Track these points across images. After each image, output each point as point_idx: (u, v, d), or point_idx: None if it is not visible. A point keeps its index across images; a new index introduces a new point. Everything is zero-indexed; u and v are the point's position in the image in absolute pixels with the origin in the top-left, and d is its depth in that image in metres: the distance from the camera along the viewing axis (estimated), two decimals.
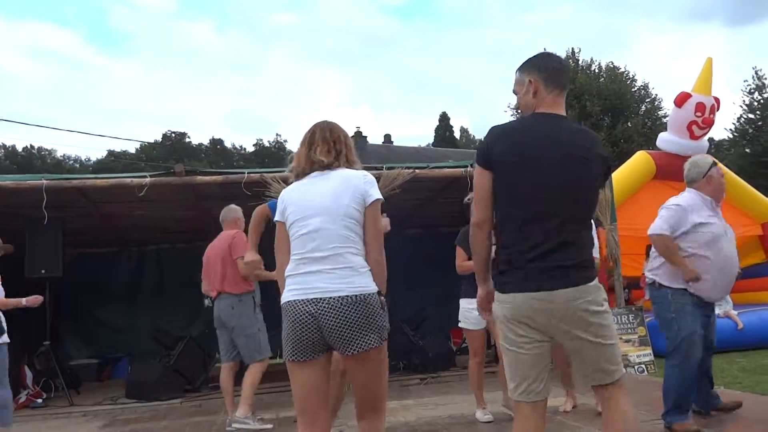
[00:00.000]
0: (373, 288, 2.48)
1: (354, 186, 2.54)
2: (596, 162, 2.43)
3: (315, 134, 2.68)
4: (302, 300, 2.42)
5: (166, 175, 6.88)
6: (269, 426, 4.98)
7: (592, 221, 2.57)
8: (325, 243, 2.46)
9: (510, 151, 2.37)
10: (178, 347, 7.57)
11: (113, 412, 6.55)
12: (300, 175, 2.65)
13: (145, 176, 6.76)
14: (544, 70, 2.50)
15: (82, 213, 8.00)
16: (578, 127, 2.59)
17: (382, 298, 2.52)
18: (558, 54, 2.68)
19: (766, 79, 25.46)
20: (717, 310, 8.25)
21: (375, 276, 2.51)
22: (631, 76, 26.35)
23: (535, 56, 2.59)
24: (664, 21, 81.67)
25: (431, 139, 49.61)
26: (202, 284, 5.39)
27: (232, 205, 5.57)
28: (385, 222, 3.41)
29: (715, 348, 4.21)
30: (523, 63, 2.58)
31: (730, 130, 26.56)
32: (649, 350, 6.99)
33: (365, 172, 2.65)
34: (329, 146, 2.63)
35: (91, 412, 6.54)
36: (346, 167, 2.63)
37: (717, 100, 8.88)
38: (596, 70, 26.42)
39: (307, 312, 2.40)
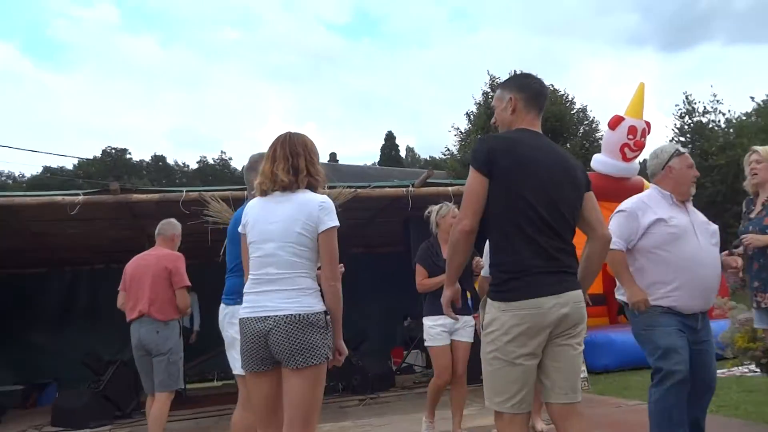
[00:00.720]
0: (318, 308, 2.64)
1: (308, 213, 2.67)
2: (582, 182, 2.59)
3: (276, 150, 2.77)
4: (253, 317, 2.62)
5: (100, 193, 6.69)
6: None
7: None
8: (277, 267, 2.64)
9: (516, 162, 2.43)
10: (109, 372, 7.30)
11: None
12: (264, 192, 2.75)
13: (77, 194, 6.56)
14: (526, 90, 2.62)
15: (9, 232, 7.69)
16: (553, 143, 2.71)
17: (328, 317, 2.67)
18: (540, 78, 2.74)
19: (696, 104, 26.66)
20: None
21: (327, 298, 2.69)
22: (570, 99, 27.15)
23: (518, 75, 2.72)
24: (601, 45, 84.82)
25: (377, 158, 49.92)
26: (118, 298, 5.07)
27: (172, 219, 5.37)
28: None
29: (713, 388, 3.47)
30: (506, 80, 2.74)
31: None
32: (583, 367, 7.12)
33: (323, 198, 2.74)
34: (288, 164, 2.71)
35: None
36: (308, 186, 2.74)
37: (648, 124, 9.23)
38: None
39: (257, 329, 2.60)
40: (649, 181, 3.63)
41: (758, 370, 6.81)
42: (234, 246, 3.51)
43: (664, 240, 3.31)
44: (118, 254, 10.00)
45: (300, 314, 2.58)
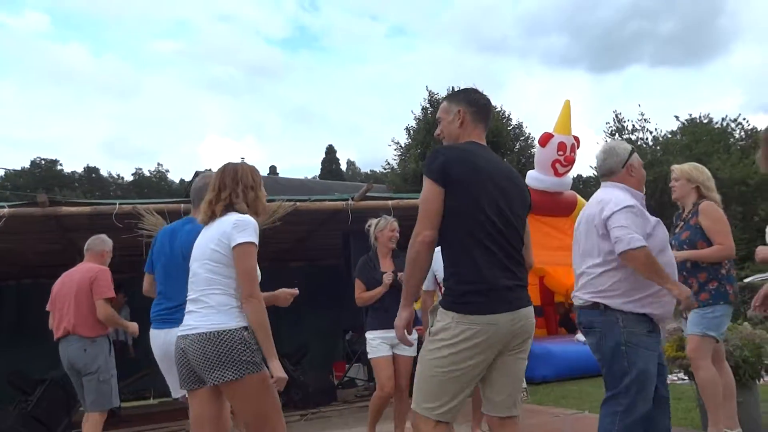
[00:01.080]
0: (231, 325, 2.65)
1: (221, 231, 2.73)
2: (528, 201, 2.67)
3: (208, 184, 2.97)
4: (178, 336, 2.74)
5: (27, 206, 6.42)
6: None
7: None
8: (196, 286, 2.76)
9: (472, 172, 2.44)
10: (38, 391, 6.97)
11: None
12: (203, 222, 2.90)
13: (3, 206, 6.28)
14: (474, 104, 2.66)
15: None
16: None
17: (245, 333, 2.67)
18: (484, 94, 2.78)
19: (625, 122, 27.76)
20: (582, 338, 8.79)
21: (247, 313, 2.68)
22: (506, 115, 27.80)
23: (465, 89, 2.75)
24: (535, 65, 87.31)
25: (318, 172, 49.78)
26: (49, 319, 4.91)
27: (103, 236, 5.22)
28: (291, 292, 3.44)
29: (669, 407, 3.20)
30: (453, 93, 2.78)
31: (594, 167, 28.55)
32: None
33: (242, 216, 2.78)
34: (212, 194, 2.85)
35: None
36: (233, 211, 2.81)
37: (577, 139, 9.55)
38: None
39: (179, 346, 2.72)
40: (601, 180, 3.29)
41: (686, 377, 7.09)
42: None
43: (663, 242, 3.06)
44: (48, 269, 9.62)
45: (211, 332, 2.63)
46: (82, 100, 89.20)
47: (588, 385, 7.48)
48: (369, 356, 4.74)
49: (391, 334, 4.51)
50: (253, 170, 2.94)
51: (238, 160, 3.11)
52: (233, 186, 2.85)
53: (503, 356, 2.44)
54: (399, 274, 4.55)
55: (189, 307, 2.76)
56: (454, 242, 2.45)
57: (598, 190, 3.24)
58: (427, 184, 2.47)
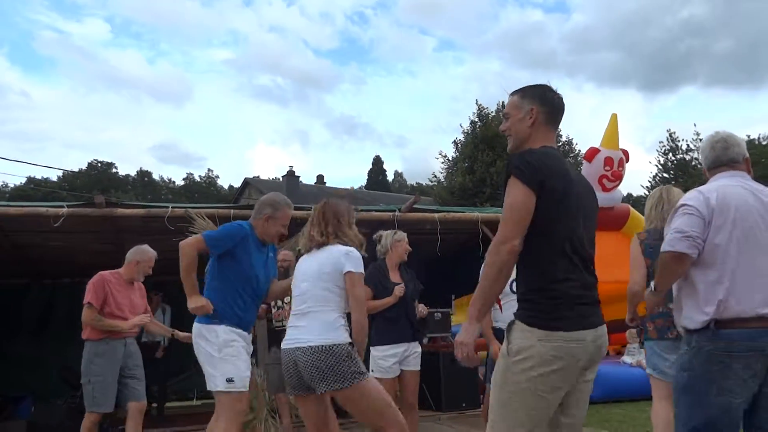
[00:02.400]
0: (340, 340, 3.03)
1: (335, 258, 3.19)
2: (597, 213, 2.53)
3: (312, 217, 3.40)
4: (288, 348, 3.09)
5: (84, 206, 6.64)
6: None
7: None
8: (307, 302, 3.14)
9: (566, 184, 2.28)
10: None
11: None
12: (306, 250, 3.36)
13: (62, 206, 6.51)
14: (549, 103, 2.44)
15: None
16: None
17: (351, 348, 3.04)
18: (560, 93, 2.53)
19: (679, 141, 27.12)
20: (630, 360, 8.61)
21: (353, 331, 3.12)
22: (557, 132, 27.44)
23: (539, 85, 2.48)
24: (584, 81, 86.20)
25: (365, 182, 50.03)
26: None
27: (142, 246, 5.22)
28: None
29: None
30: (525, 88, 2.48)
31: (646, 187, 27.98)
32: None
33: (348, 249, 3.24)
34: (320, 228, 3.29)
35: None
36: (338, 242, 3.27)
37: (625, 152, 9.32)
38: None
39: (290, 357, 3.06)
40: (716, 170, 2.84)
41: None
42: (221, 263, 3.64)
43: None
44: (100, 269, 9.91)
45: (323, 345, 3.00)
46: (137, 106, 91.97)
47: (633, 409, 7.29)
48: (376, 375, 4.35)
49: (400, 348, 4.54)
50: (350, 208, 3.44)
51: (339, 198, 3.69)
52: (336, 220, 3.31)
53: (584, 379, 2.29)
54: (402, 287, 4.61)
55: (298, 321, 3.12)
56: (541, 255, 2.24)
57: (734, 179, 2.74)
58: (517, 187, 2.22)
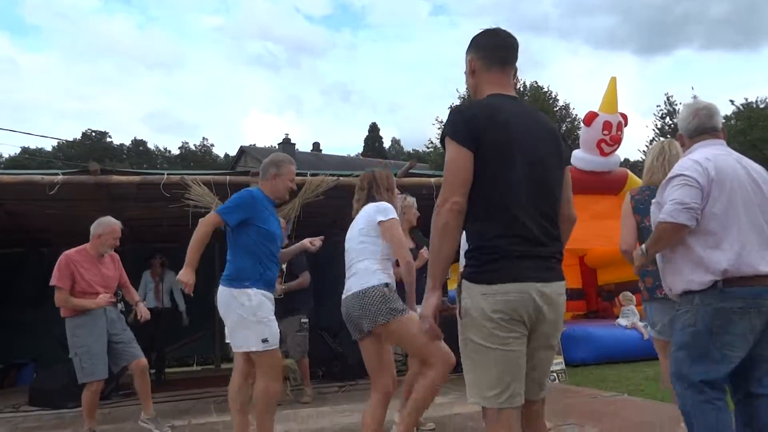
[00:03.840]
0: (372, 283, 3.31)
1: (367, 215, 3.51)
2: (566, 155, 2.36)
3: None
4: (342, 299, 3.43)
5: (79, 173, 6.62)
6: None
7: None
8: (349, 259, 3.49)
9: (502, 131, 2.16)
10: None
11: (14, 420, 6.22)
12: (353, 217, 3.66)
13: (57, 174, 6.49)
14: (483, 47, 2.35)
15: None
16: (535, 108, 2.42)
17: (385, 289, 3.31)
18: (504, 30, 2.38)
19: (677, 105, 26.98)
20: (624, 322, 8.70)
21: (402, 272, 3.46)
22: (553, 96, 27.33)
23: (477, 34, 2.39)
24: (579, 45, 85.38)
25: (361, 149, 49.82)
26: None
27: (105, 218, 5.19)
28: (315, 240, 4.51)
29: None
30: (469, 43, 2.41)
31: (643, 151, 27.93)
32: (561, 359, 7.22)
33: (378, 203, 3.55)
34: (358, 195, 3.69)
35: None
36: (372, 202, 3.58)
37: (624, 116, 9.29)
38: (521, 89, 27.26)
39: (344, 306, 3.41)
40: (691, 138, 2.95)
41: None
42: (244, 229, 3.74)
43: None
44: None
45: (359, 290, 3.32)
46: (127, 74, 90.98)
47: (628, 370, 7.41)
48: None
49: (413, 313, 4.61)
50: (389, 174, 3.75)
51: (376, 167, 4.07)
52: (374, 185, 3.64)
53: (537, 337, 2.19)
54: (425, 250, 4.60)
55: (347, 276, 3.45)
56: (480, 210, 2.17)
57: (720, 147, 2.86)
58: (451, 145, 2.17)
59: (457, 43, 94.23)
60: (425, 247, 4.67)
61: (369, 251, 3.43)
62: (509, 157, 2.17)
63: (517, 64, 2.41)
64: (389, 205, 3.54)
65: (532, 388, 2.24)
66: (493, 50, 2.34)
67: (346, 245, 3.57)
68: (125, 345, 4.98)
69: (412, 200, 4.95)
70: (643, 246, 2.96)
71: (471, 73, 2.38)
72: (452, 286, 8.42)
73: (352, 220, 3.66)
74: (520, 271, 2.13)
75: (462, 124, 2.18)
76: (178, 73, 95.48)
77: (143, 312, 5.10)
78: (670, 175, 2.81)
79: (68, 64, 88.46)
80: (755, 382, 2.70)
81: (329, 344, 8.16)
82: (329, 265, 7.86)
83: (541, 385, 2.29)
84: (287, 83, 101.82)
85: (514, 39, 2.39)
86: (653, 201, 2.94)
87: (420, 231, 4.97)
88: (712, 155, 2.78)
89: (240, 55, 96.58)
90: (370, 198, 3.62)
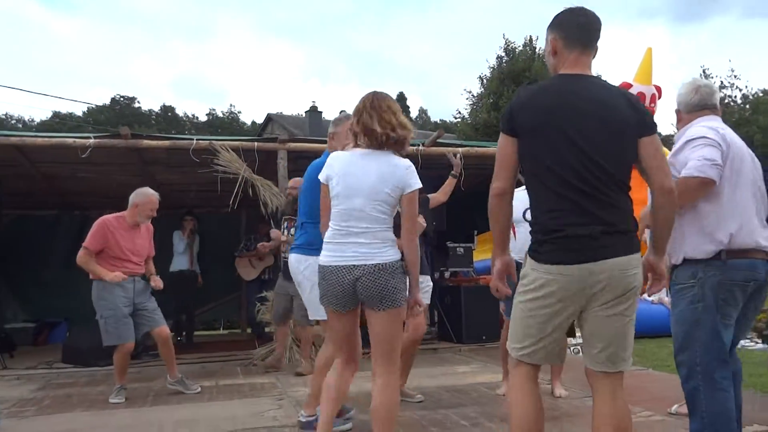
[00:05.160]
0: (397, 257, 2.90)
1: (397, 177, 2.89)
2: (631, 123, 2.26)
3: (363, 106, 2.97)
4: (342, 266, 2.87)
5: (111, 137, 6.71)
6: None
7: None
8: (363, 221, 2.88)
9: (541, 114, 2.26)
10: None
11: (48, 376, 6.43)
12: (357, 145, 2.98)
13: (89, 137, 6.59)
14: (566, 27, 2.37)
15: (20, 172, 7.74)
16: (605, 84, 2.41)
17: (404, 264, 2.92)
18: (589, 10, 2.39)
19: (712, 78, 26.28)
20: (651, 297, 8.63)
21: (406, 252, 2.95)
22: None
23: (560, 12, 2.42)
24: (611, 15, 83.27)
25: None
26: None
27: (143, 189, 5.29)
28: (420, 220, 3.91)
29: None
30: (551, 21, 2.43)
31: (676, 125, 27.36)
32: None
33: (408, 162, 2.96)
34: (383, 121, 2.92)
35: (25, 376, 6.40)
36: (396, 145, 2.95)
37: (658, 89, 9.06)
38: None
39: (351, 274, 2.85)
40: (690, 113, 3.00)
41: (759, 341, 6.91)
42: (311, 194, 3.65)
43: None
44: (127, 200, 10.09)
45: (385, 263, 2.85)
46: (154, 39, 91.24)
47: (653, 345, 7.38)
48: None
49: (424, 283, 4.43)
50: (396, 105, 3.04)
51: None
52: (391, 116, 2.94)
53: (591, 311, 2.27)
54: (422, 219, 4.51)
55: (353, 238, 2.87)
56: (530, 191, 2.36)
57: (722, 123, 2.93)
58: (501, 134, 2.36)
59: (487, 12, 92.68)
60: (421, 216, 4.55)
61: (387, 221, 2.92)
62: (539, 139, 2.26)
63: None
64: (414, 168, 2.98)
65: (594, 358, 2.33)
66: (576, 30, 2.36)
67: (354, 200, 2.89)
68: (149, 313, 5.10)
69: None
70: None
71: (552, 53, 2.41)
72: (478, 257, 8.41)
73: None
74: (564, 254, 2.22)
75: (507, 110, 2.34)
76: (206, 39, 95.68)
77: (157, 282, 5.18)
78: (685, 138, 2.81)
79: (97, 29, 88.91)
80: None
81: None
82: None
83: (610, 358, 2.30)
84: (314, 52, 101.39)
85: (599, 20, 2.40)
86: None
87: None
88: (720, 127, 2.84)
89: (267, 23, 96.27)
90: (389, 142, 2.93)
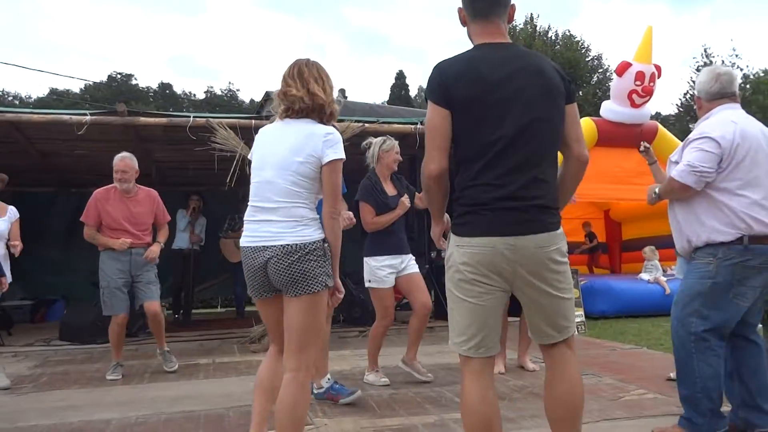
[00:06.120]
0: (315, 237, 2.58)
1: (312, 146, 2.60)
2: (561, 91, 2.21)
3: (293, 73, 2.72)
4: (255, 247, 2.60)
5: (107, 114, 6.66)
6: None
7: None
8: (275, 195, 2.60)
9: (472, 89, 2.12)
10: None
11: (45, 353, 6.45)
12: (280, 115, 2.74)
13: (85, 114, 6.54)
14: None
15: (16, 149, 7.70)
16: (532, 51, 2.33)
17: (326, 245, 2.62)
18: None
19: (713, 57, 26.15)
20: (647, 276, 8.67)
21: (327, 232, 2.63)
22: (586, 46, 26.64)
23: None
24: None
25: (387, 97, 49.30)
26: None
27: (118, 154, 5.25)
28: (347, 215, 3.89)
29: None
30: None
31: (677, 105, 27.29)
32: (581, 311, 7.24)
33: (329, 129, 2.68)
34: (306, 87, 2.67)
35: (22, 353, 6.42)
36: (316, 116, 2.69)
37: (658, 68, 9.03)
38: (552, 37, 26.57)
39: (260, 257, 2.58)
40: (710, 101, 3.10)
41: None
42: None
43: None
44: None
45: (297, 244, 2.55)
46: (150, 16, 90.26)
47: (648, 324, 7.42)
48: (372, 285, 4.46)
49: (397, 260, 4.47)
50: (325, 72, 2.79)
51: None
52: (317, 85, 2.69)
53: (524, 287, 2.17)
54: (406, 198, 4.50)
55: (264, 215, 2.61)
56: (458, 163, 2.21)
57: (741, 111, 3.07)
58: (429, 107, 2.18)
59: None
60: (405, 195, 4.53)
61: (305, 196, 2.62)
62: (477, 111, 2.13)
63: (548, 10, 2.33)
64: (340, 137, 2.69)
65: (541, 332, 2.25)
66: (474, 2, 2.27)
67: (263, 171, 2.66)
68: (143, 285, 5.12)
69: (390, 144, 4.60)
70: (657, 189, 3.18)
71: (462, 23, 2.35)
72: None
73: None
74: (489, 226, 2.12)
75: (437, 81, 2.17)
76: (202, 17, 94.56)
77: (149, 254, 5.10)
78: (693, 135, 3.01)
79: (93, 5, 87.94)
80: (749, 328, 3.04)
81: (351, 290, 8.25)
82: (353, 210, 7.83)
83: (554, 328, 2.23)
84: (311, 28, 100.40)
85: None
86: (671, 159, 3.13)
87: (398, 174, 4.72)
88: (737, 118, 2.97)
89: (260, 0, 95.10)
90: (311, 109, 2.68)
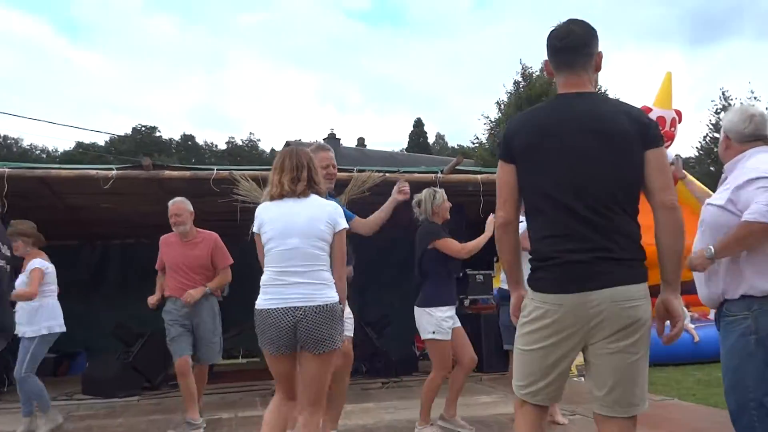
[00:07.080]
0: (336, 299, 2.96)
1: (327, 214, 3.01)
2: (634, 137, 2.11)
3: (284, 163, 3.08)
4: (283, 308, 2.87)
5: (132, 168, 6.79)
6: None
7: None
8: (301, 260, 2.93)
9: (534, 137, 2.17)
10: (138, 343, 7.44)
11: (68, 407, 6.43)
12: (274, 197, 3.07)
13: (111, 168, 6.67)
14: (549, 52, 2.30)
15: (44, 204, 7.84)
16: (605, 98, 2.38)
17: (340, 306, 2.99)
18: (567, 27, 2.26)
19: (731, 99, 26.12)
20: None
21: (339, 290, 3.01)
22: (603, 92, 26.74)
23: (549, 32, 2.31)
24: (625, 38, 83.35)
25: (405, 145, 49.74)
26: None
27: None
28: (348, 269, 3.98)
29: None
30: None
31: (696, 148, 27.18)
32: None
33: (331, 202, 3.11)
34: (294, 174, 3.04)
35: None
36: (312, 192, 3.07)
37: (678, 113, 9.03)
38: None
39: (290, 317, 2.86)
40: (742, 143, 2.85)
41: None
42: None
43: None
44: (148, 230, 10.17)
45: (327, 304, 2.90)
46: (172, 71, 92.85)
47: (677, 373, 7.24)
48: (435, 337, 4.37)
49: (453, 311, 4.51)
50: (310, 156, 3.16)
51: (316, 139, 3.36)
52: (311, 168, 3.08)
53: (592, 348, 2.10)
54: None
55: (294, 278, 2.91)
56: (528, 217, 2.27)
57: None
58: (499, 163, 2.29)
59: (500, 37, 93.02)
60: (492, 214, 4.46)
61: (325, 260, 3.00)
62: (536, 159, 2.17)
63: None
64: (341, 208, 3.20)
65: (601, 401, 2.14)
66: (559, 50, 2.27)
67: (288, 240, 2.96)
68: (196, 340, 5.14)
69: (441, 195, 4.80)
70: (712, 247, 2.66)
71: (548, 75, 2.37)
72: (498, 285, 8.34)
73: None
74: (557, 282, 2.11)
75: (502, 137, 2.29)
76: (222, 69, 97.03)
77: (188, 295, 5.03)
78: (748, 176, 2.64)
79: (117, 62, 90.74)
80: None
81: (373, 340, 8.18)
82: (374, 260, 7.86)
83: (618, 401, 2.10)
84: (329, 79, 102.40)
85: (581, 35, 2.24)
86: (709, 202, 2.80)
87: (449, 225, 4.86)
88: None
89: (280, 52, 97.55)
90: (311, 185, 3.08)
